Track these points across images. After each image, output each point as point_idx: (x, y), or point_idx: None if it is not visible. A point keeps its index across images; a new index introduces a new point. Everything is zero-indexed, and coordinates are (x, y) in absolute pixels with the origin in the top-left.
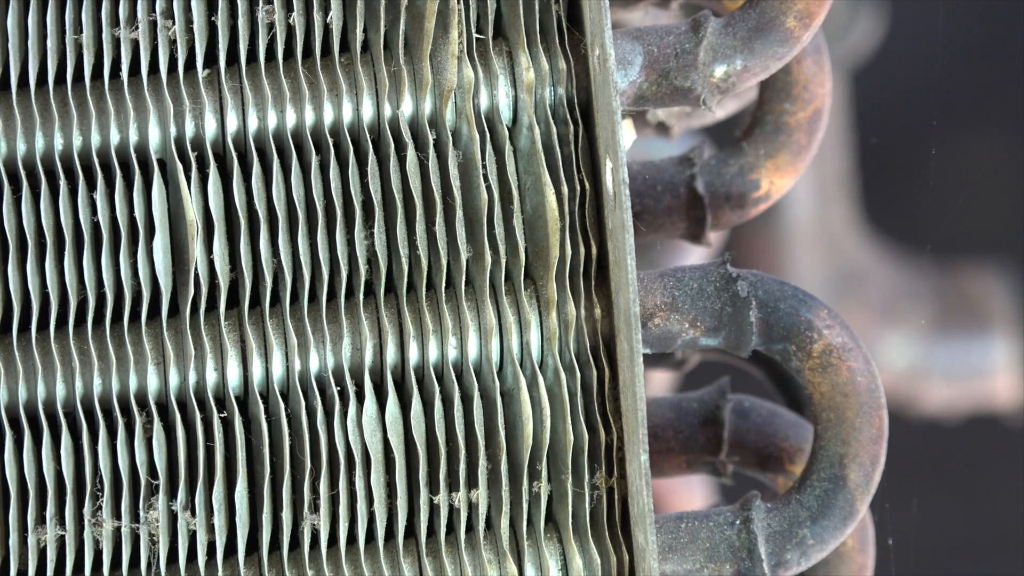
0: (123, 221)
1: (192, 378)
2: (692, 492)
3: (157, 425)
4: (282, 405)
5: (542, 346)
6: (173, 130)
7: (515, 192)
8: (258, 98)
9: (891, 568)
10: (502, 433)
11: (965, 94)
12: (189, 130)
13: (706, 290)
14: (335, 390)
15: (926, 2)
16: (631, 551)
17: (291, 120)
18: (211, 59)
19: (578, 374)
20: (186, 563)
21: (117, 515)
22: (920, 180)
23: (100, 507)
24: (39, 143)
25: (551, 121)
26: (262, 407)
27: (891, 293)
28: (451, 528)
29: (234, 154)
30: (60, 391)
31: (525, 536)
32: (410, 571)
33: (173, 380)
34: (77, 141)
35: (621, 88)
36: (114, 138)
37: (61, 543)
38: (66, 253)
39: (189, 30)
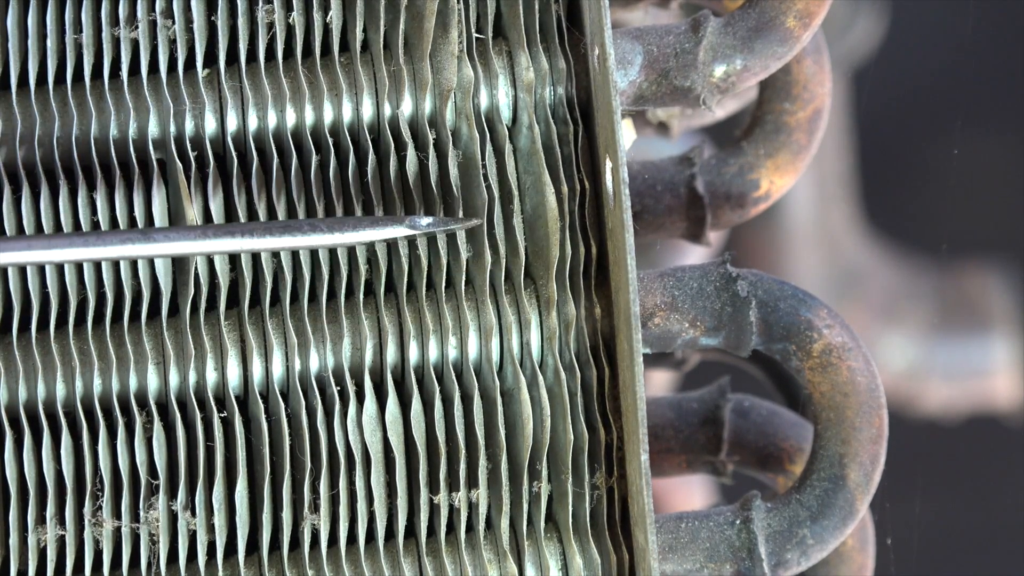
0: (123, 221)
1: (192, 378)
2: (692, 492)
3: (157, 425)
4: (282, 405)
5: (542, 346)
6: (173, 129)
7: (515, 192)
8: (258, 98)
9: (891, 568)
10: (502, 433)
11: (965, 94)
12: (189, 129)
13: (706, 290)
14: (335, 390)
15: (926, 2)
16: (631, 551)
17: (291, 120)
18: (211, 59)
19: (578, 374)
20: (186, 563)
21: (117, 515)
22: (920, 180)
23: (100, 507)
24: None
25: (551, 121)
26: (262, 407)
27: (891, 293)
28: (451, 528)
29: (234, 154)
30: (60, 391)
31: (525, 536)
32: (410, 571)
33: (173, 380)
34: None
35: (621, 88)
36: (114, 138)
37: (61, 543)
38: None
39: (189, 30)
